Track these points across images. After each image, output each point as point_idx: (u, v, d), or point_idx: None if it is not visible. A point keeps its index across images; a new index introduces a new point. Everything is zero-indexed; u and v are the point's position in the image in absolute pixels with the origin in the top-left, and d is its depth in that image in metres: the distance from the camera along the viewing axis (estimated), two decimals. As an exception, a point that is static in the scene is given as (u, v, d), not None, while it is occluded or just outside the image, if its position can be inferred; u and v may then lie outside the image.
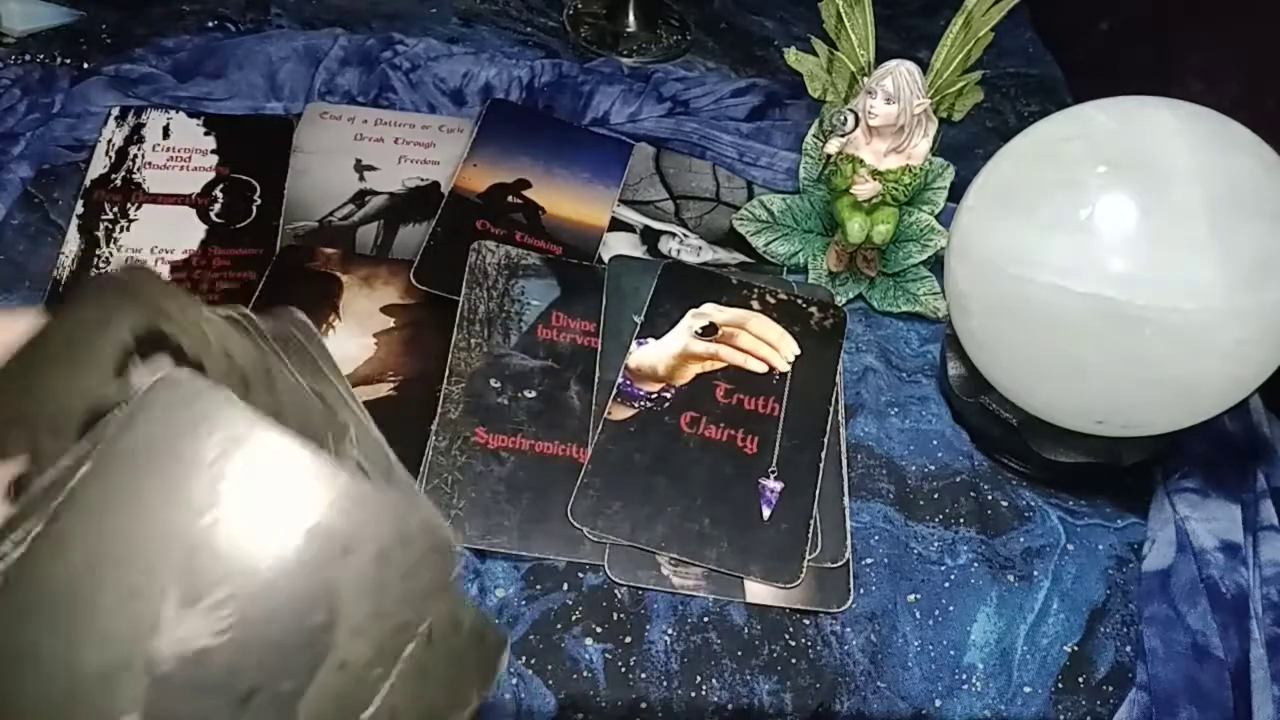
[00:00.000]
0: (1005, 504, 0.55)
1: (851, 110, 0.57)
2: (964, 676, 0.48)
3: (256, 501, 0.24)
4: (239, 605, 0.22)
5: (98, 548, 0.22)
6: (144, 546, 0.23)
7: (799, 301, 0.60)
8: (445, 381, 0.53)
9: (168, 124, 0.64)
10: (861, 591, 0.50)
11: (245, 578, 0.23)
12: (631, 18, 0.80)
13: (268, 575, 0.23)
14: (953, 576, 0.51)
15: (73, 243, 0.57)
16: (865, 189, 0.59)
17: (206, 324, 0.27)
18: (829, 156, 0.60)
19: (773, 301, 0.59)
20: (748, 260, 0.65)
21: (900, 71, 0.56)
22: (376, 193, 0.64)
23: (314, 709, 0.23)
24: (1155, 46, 0.77)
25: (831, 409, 0.55)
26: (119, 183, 0.61)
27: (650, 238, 0.65)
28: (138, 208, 0.60)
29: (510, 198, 0.64)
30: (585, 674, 0.46)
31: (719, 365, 0.56)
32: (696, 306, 0.58)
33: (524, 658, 0.46)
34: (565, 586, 0.48)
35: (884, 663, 0.48)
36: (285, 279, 0.57)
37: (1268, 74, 0.65)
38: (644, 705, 0.46)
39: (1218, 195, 0.44)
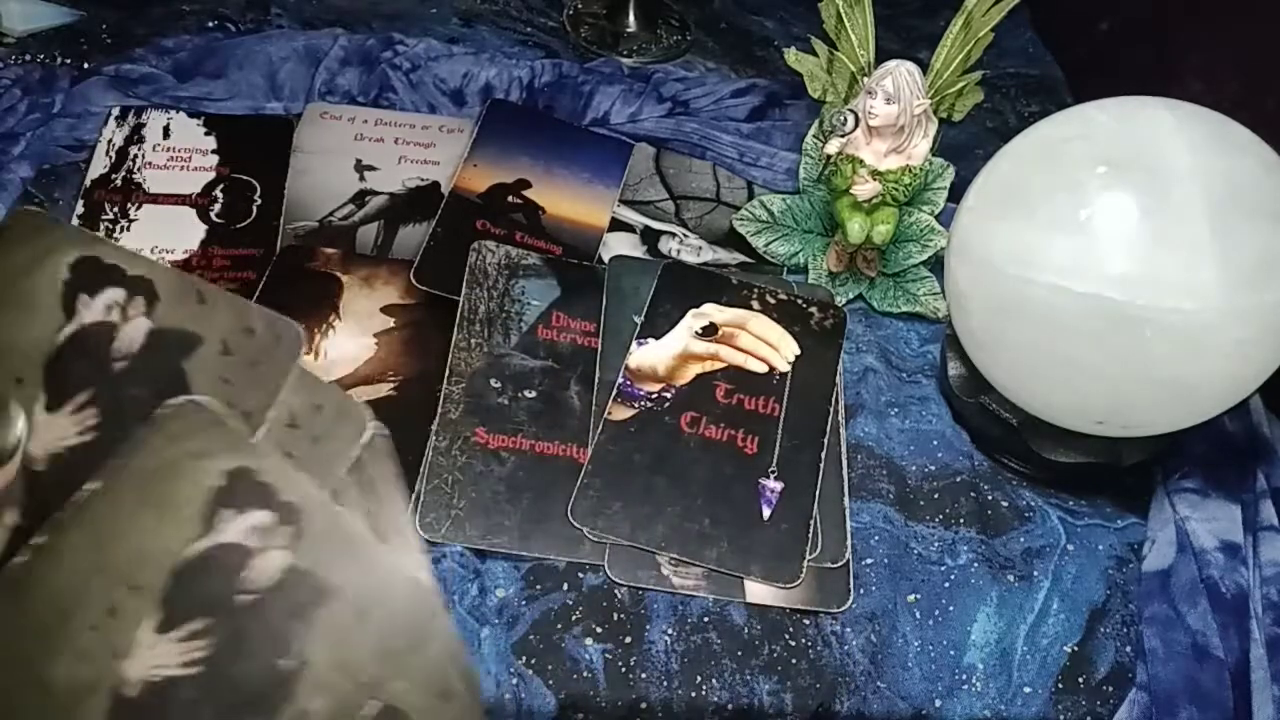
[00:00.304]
0: (1005, 504, 0.55)
1: (851, 110, 0.57)
2: (964, 676, 0.48)
3: (250, 536, 0.24)
4: (214, 640, 0.22)
5: (91, 563, 0.22)
6: (132, 567, 0.22)
7: (799, 301, 0.60)
8: (445, 381, 0.53)
9: (168, 124, 0.64)
10: (861, 591, 0.50)
11: (225, 612, 0.23)
12: (631, 18, 0.80)
13: (247, 612, 0.23)
14: (953, 576, 0.51)
15: (73, 243, 0.58)
16: (865, 189, 0.59)
17: (139, 259, 0.27)
18: (829, 157, 0.60)
19: (773, 301, 0.59)
20: (748, 260, 0.65)
21: (900, 71, 0.56)
22: (377, 193, 0.64)
23: None
24: (1155, 46, 0.77)
25: (831, 409, 0.55)
26: (119, 183, 0.61)
27: (650, 238, 0.65)
28: (138, 208, 0.60)
29: (510, 198, 0.64)
30: (585, 674, 0.46)
31: (719, 365, 0.56)
32: (696, 306, 0.58)
33: (524, 658, 0.46)
34: (565, 586, 0.48)
35: (884, 663, 0.48)
36: (285, 279, 0.57)
37: (1268, 74, 0.65)
38: (644, 705, 0.46)
39: (1218, 195, 0.44)
